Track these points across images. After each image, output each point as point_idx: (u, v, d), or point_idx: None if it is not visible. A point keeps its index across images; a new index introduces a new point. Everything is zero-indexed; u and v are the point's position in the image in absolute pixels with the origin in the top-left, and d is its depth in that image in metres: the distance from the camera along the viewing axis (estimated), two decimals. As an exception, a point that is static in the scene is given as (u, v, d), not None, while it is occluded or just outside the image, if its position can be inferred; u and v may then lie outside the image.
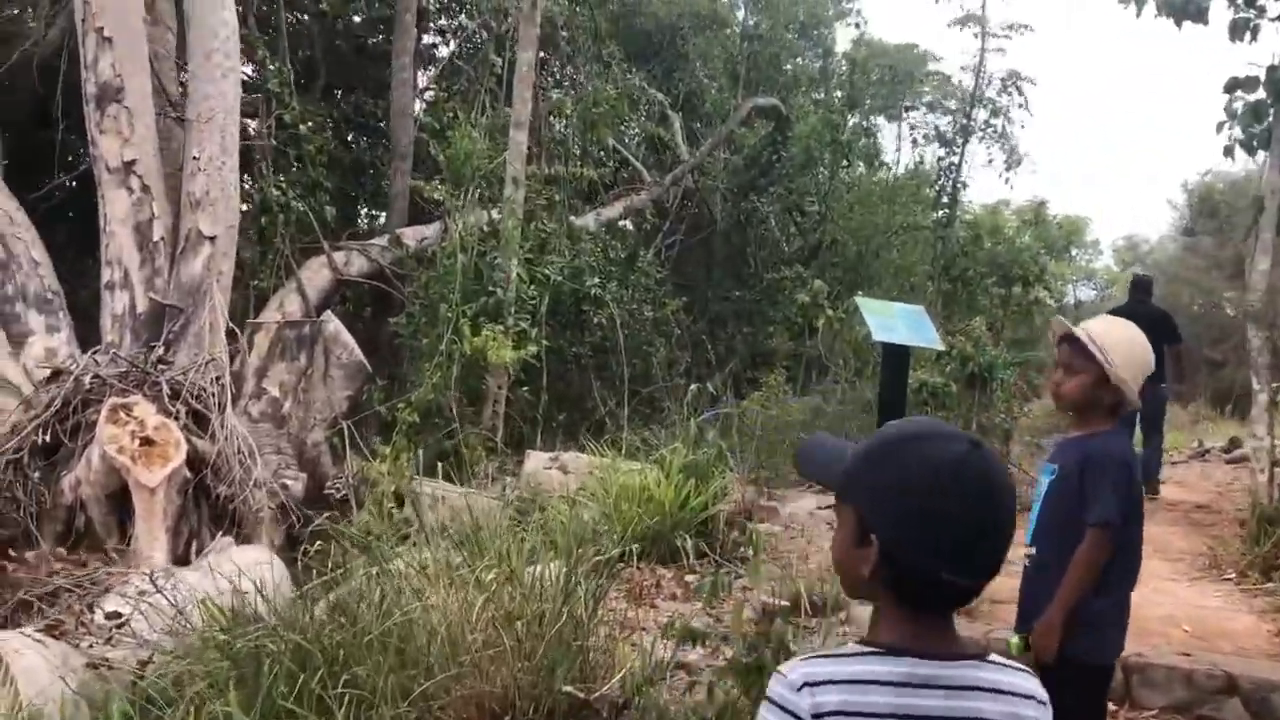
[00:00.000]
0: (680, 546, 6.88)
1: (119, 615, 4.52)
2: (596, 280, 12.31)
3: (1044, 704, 1.48)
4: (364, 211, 15.04)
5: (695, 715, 3.90)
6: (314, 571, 4.87)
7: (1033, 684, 1.49)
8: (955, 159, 17.57)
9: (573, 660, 3.99)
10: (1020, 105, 19.91)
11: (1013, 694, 1.46)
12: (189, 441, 7.21)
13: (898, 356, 8.36)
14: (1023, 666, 1.52)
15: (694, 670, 4.90)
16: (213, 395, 7.69)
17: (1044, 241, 20.37)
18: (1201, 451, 15.92)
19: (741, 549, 7.07)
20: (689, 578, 6.70)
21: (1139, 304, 10.07)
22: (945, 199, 17.95)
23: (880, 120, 23.98)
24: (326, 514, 6.69)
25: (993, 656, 1.50)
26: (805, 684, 1.41)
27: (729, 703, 3.83)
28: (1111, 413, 3.17)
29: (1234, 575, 7.88)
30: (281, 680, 3.68)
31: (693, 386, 11.37)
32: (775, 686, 1.44)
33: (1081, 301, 35.25)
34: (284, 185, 11.05)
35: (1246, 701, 5.05)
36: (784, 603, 4.69)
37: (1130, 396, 3.10)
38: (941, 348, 10.17)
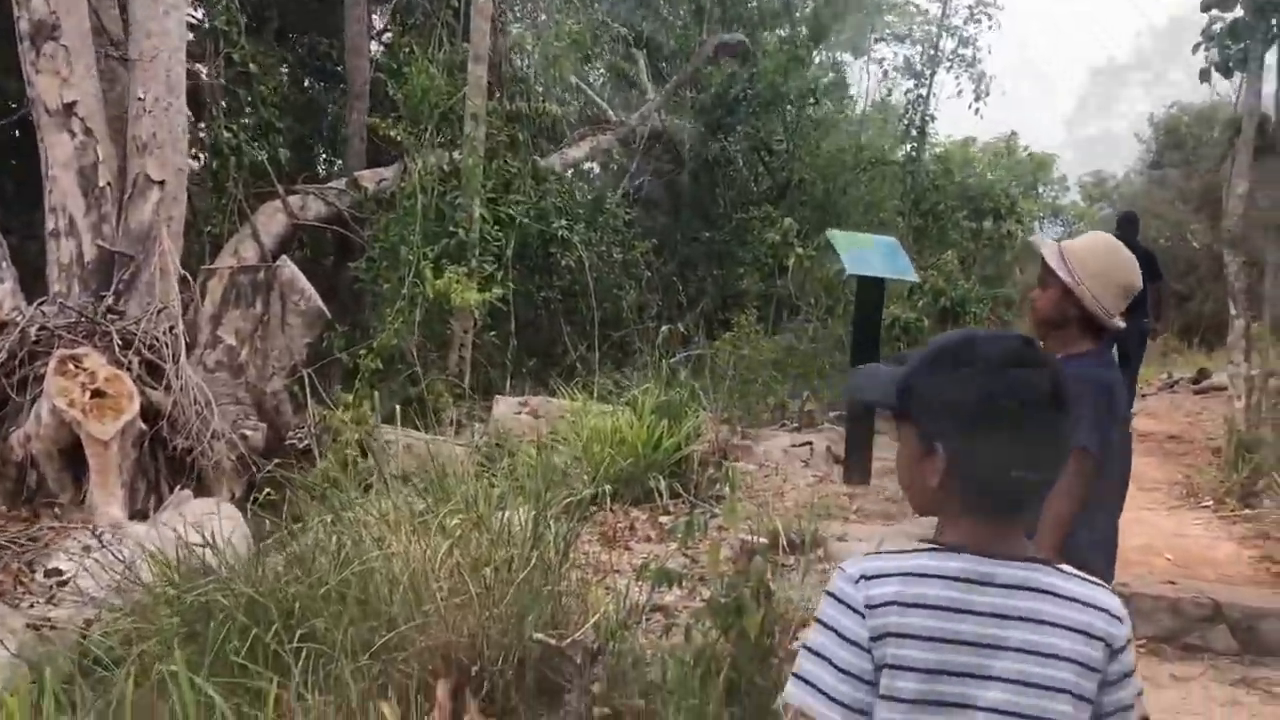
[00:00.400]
0: (654, 488, 6.74)
1: (60, 573, 4.29)
2: (564, 222, 12.02)
3: (1119, 619, 1.45)
4: (322, 156, 14.61)
5: (673, 658, 3.75)
6: (266, 523, 4.66)
7: (1110, 599, 1.46)
8: (923, 91, 17.26)
9: (543, 606, 3.82)
10: (990, 28, 19.55)
11: (1084, 603, 1.44)
12: (143, 393, 6.97)
13: (872, 290, 8.18)
14: (1102, 582, 1.49)
15: (670, 612, 4.76)
16: (166, 345, 7.44)
17: (1014, 175, 20.18)
18: (1170, 383, 16.01)
19: (718, 486, 6.92)
20: (663, 519, 6.56)
21: (1124, 241, 9.93)
22: (914, 132, 17.67)
23: (847, 56, 23.62)
24: (277, 462, 6.44)
25: (1066, 567, 1.48)
26: (862, 576, 1.44)
27: (707, 644, 3.68)
28: (1092, 333, 3.01)
29: (1211, 503, 7.86)
30: (234, 635, 3.49)
31: (664, 328, 11.19)
32: (835, 580, 1.47)
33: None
34: (235, 128, 10.66)
35: (1234, 629, 4.98)
36: (763, 540, 4.53)
37: (1093, 309, 2.93)
38: (916, 279, 10.01)
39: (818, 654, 1.45)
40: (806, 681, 1.44)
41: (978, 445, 1.43)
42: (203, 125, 11.13)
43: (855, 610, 1.42)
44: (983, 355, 1.45)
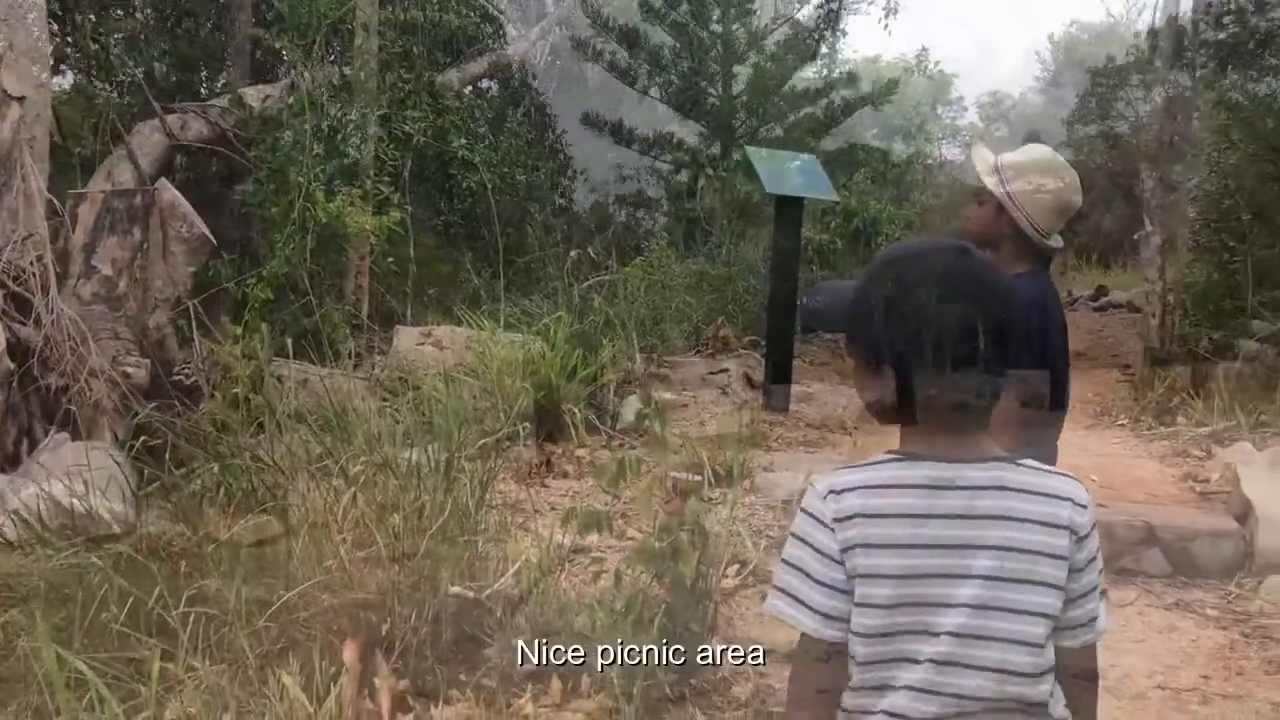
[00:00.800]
0: (570, 421, 6.42)
1: (-100, 537, 3.83)
2: (463, 141, 11.46)
3: (1083, 506, 1.47)
4: (203, 73, 13.70)
5: (602, 606, 3.47)
6: (144, 471, 4.23)
7: (1073, 487, 1.48)
8: (834, 5, 16.80)
9: (460, 556, 3.50)
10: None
11: (1049, 495, 1.46)
12: (9, 329, 6.40)
13: (791, 210, 7.90)
14: (1067, 472, 1.51)
15: (594, 554, 4.48)
16: (34, 276, 6.83)
17: (923, 94, 20.01)
18: (1070, 301, 16.23)
19: (647, 421, 6.61)
20: (580, 452, 6.27)
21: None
22: (825, 50, 17.31)
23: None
24: (158, 404, 5.95)
25: (1028, 461, 1.50)
26: (831, 491, 1.47)
27: (639, 590, 3.41)
28: (1028, 252, 2.83)
29: (1126, 421, 7.87)
30: (111, 600, 3.10)
31: (573, 253, 10.79)
32: (807, 497, 1.51)
33: (948, 160, 35.47)
34: (104, 41, 9.85)
35: (1167, 551, 4.91)
36: (697, 478, 4.27)
37: (1025, 227, 2.77)
38: (836, 198, 9.78)
39: (794, 566, 1.49)
40: (785, 592, 1.49)
41: (921, 360, 1.44)
42: (70, 38, 10.28)
43: (825, 524, 1.46)
44: (914, 273, 1.47)
